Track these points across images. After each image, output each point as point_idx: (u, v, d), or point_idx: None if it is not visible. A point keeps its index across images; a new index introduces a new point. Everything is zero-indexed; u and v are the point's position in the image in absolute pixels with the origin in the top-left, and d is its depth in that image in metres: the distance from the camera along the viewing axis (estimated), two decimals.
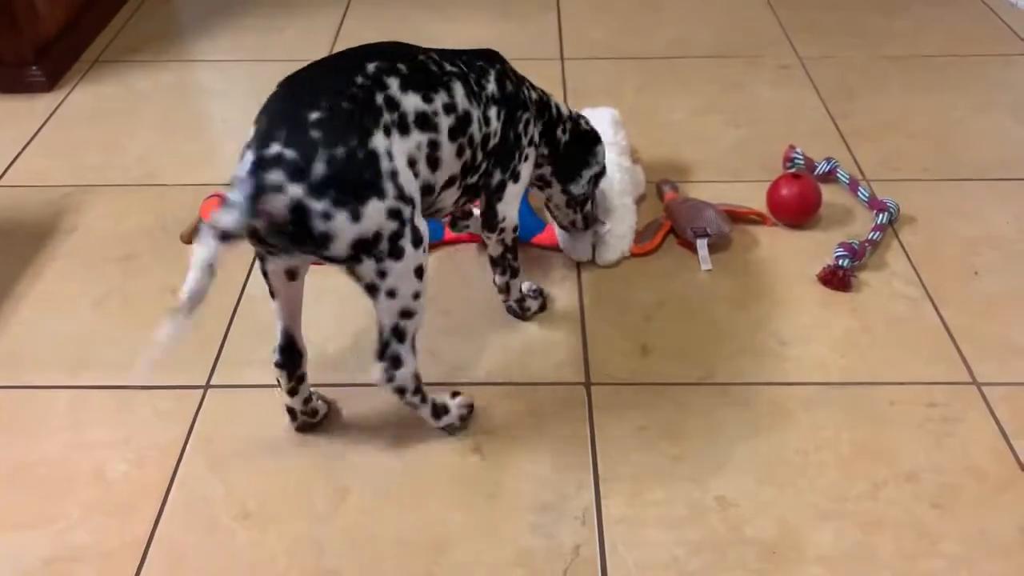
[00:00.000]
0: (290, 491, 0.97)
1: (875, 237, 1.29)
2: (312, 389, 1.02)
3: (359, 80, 0.87)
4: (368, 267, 0.87)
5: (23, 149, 1.55)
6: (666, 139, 1.55)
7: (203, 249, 0.77)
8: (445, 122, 0.93)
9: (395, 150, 0.86)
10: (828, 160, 1.44)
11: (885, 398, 1.07)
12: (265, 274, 0.94)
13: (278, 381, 0.99)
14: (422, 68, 0.93)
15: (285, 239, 0.83)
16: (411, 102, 0.89)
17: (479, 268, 1.27)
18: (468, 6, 2.01)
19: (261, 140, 0.82)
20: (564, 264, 1.28)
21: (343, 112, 0.84)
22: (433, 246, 1.32)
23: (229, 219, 0.78)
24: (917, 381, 1.09)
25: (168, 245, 1.32)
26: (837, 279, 1.23)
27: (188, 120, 1.63)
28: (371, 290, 0.89)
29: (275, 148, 0.81)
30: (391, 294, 0.90)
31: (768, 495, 0.96)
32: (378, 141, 0.85)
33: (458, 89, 0.95)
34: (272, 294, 0.95)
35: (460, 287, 1.25)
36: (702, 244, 1.28)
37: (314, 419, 1.03)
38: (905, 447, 1.01)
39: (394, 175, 0.85)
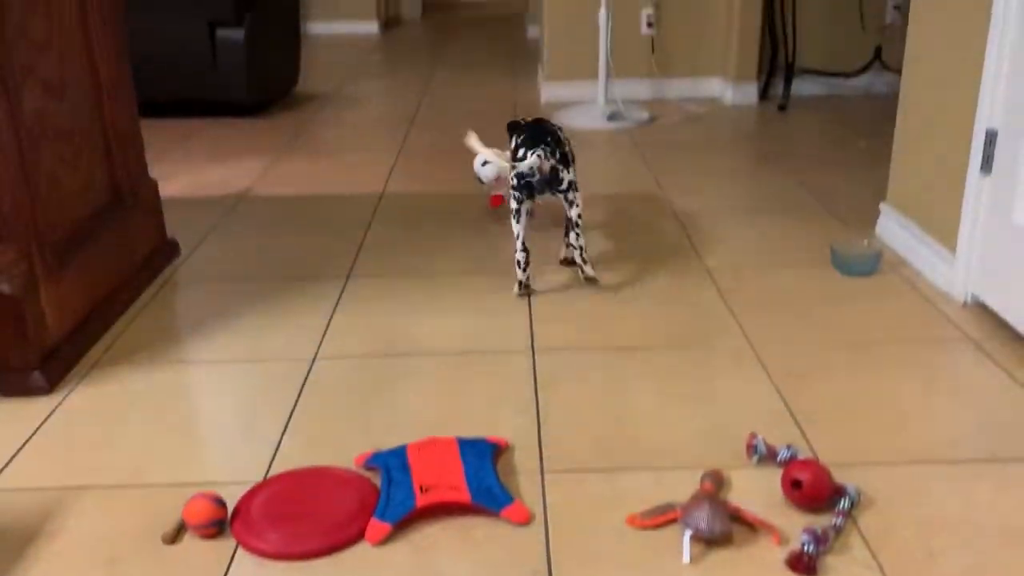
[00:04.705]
0: None
1: (838, 523, 1.35)
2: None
3: (554, 134, 2.19)
4: (571, 195, 2.14)
5: (17, 452, 1.62)
6: (631, 428, 1.64)
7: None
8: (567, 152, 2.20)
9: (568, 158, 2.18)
10: (788, 447, 1.52)
11: None
12: (518, 212, 2.14)
13: (519, 263, 2.18)
14: (556, 137, 2.19)
15: (545, 183, 2.12)
16: (564, 148, 2.18)
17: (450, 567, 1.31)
18: (448, 307, 2.18)
19: (535, 142, 2.12)
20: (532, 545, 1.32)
21: (556, 141, 2.16)
22: (405, 522, 1.37)
23: (534, 161, 2.07)
24: None
25: (151, 548, 1.35)
26: (803, 564, 1.27)
27: (180, 420, 1.72)
28: (570, 204, 2.14)
29: (542, 148, 2.09)
30: (575, 205, 2.14)
31: None
32: (563, 151, 2.15)
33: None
34: (517, 219, 2.15)
35: None
36: (686, 536, 1.32)
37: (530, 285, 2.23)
38: None
39: (570, 163, 2.16)
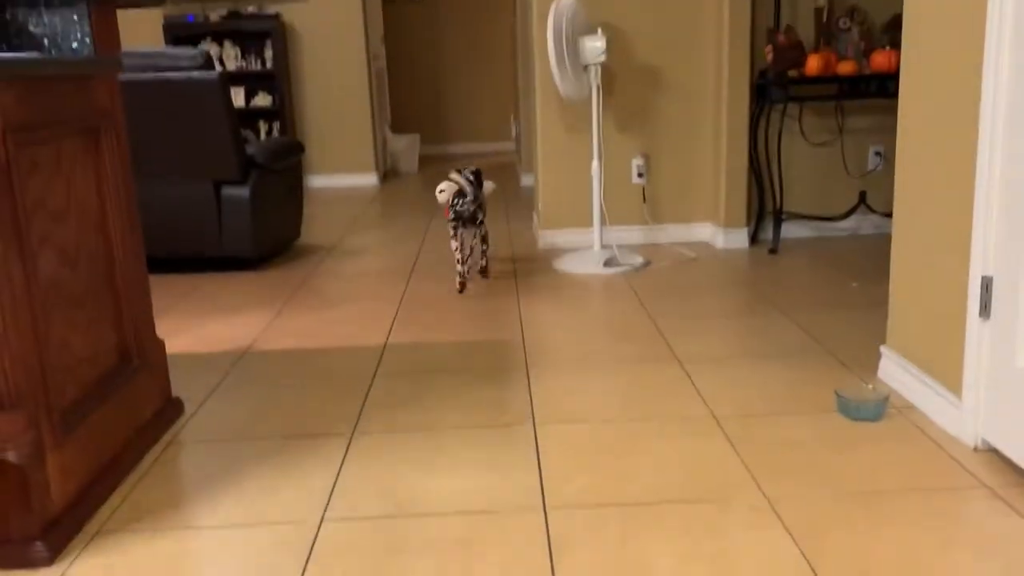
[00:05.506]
0: None
1: None
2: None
3: (479, 197, 3.73)
4: (483, 228, 3.78)
5: None
6: None
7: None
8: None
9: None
10: None
11: None
12: (455, 232, 3.67)
13: (460, 274, 3.70)
14: (480, 198, 3.76)
15: (469, 218, 3.66)
16: (482, 202, 3.76)
17: None
18: (455, 462, 2.16)
19: (461, 194, 3.63)
20: None
21: (479, 198, 3.70)
22: None
23: (470, 194, 3.65)
24: None
25: None
26: None
27: None
28: (483, 237, 3.80)
29: (470, 193, 3.64)
30: (485, 237, 3.81)
31: None
32: (481, 203, 3.70)
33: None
34: (456, 237, 3.67)
35: None
36: None
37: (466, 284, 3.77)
38: None
39: (484, 211, 3.79)
